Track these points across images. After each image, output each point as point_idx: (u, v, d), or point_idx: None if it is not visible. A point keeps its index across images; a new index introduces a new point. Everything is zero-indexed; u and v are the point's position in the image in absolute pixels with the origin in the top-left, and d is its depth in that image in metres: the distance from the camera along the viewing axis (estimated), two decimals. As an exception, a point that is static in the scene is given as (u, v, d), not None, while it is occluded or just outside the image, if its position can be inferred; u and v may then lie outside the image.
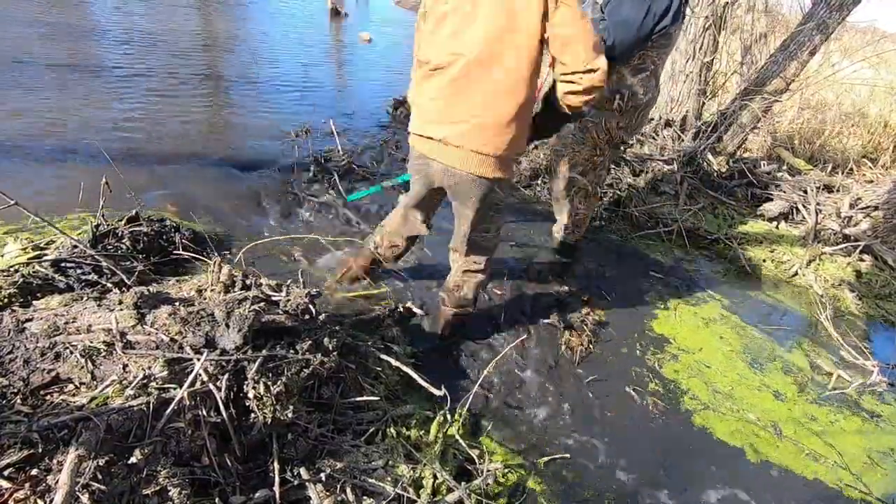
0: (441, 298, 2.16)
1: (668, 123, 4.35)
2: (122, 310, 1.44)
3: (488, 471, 1.61)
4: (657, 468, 1.88)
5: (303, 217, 2.85)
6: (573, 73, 1.53)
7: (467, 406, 1.79)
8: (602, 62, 1.51)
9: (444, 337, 2.18)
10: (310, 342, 1.57)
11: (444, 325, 2.17)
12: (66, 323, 1.40)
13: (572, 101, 1.60)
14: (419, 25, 1.71)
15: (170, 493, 1.12)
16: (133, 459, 1.13)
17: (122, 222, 2.19)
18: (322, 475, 1.35)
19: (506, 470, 1.69)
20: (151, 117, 3.57)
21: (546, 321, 2.47)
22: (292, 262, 2.42)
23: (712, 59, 4.36)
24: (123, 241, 2.10)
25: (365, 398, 1.65)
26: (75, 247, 1.92)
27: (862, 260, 3.55)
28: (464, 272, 2.03)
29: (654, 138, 4.27)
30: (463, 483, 1.51)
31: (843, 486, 1.98)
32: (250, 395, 1.37)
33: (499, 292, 2.56)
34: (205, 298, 1.63)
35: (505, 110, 1.58)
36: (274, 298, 1.69)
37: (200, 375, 1.31)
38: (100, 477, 1.07)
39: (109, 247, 2.06)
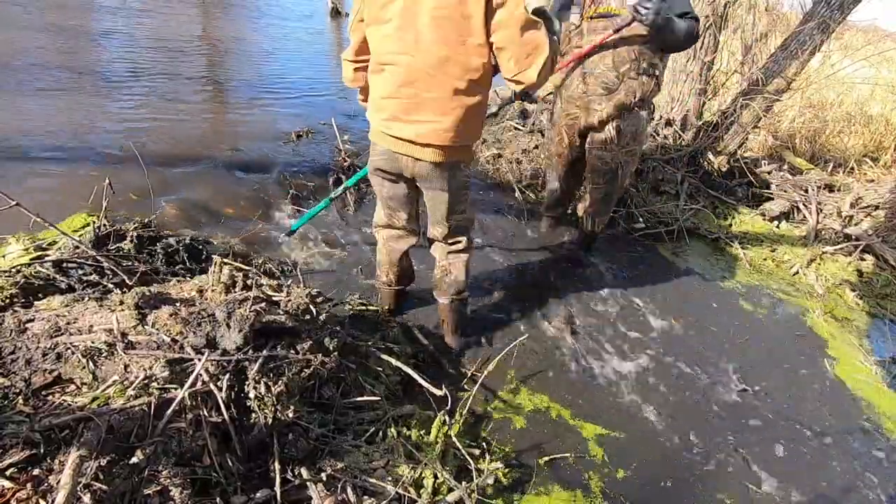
0: (437, 297, 2.12)
1: (668, 122, 4.34)
2: (123, 310, 1.45)
3: (488, 471, 1.61)
4: (659, 471, 1.88)
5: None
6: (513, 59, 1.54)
7: (468, 406, 1.79)
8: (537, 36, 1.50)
9: (457, 335, 2.18)
10: (310, 342, 1.58)
11: (450, 322, 2.15)
12: (68, 323, 1.41)
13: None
14: (357, 14, 1.65)
15: (171, 493, 1.12)
16: (134, 459, 1.13)
17: (133, 229, 2.17)
18: (323, 475, 1.36)
19: (506, 470, 1.69)
20: (152, 119, 3.58)
21: (549, 322, 2.47)
22: (293, 262, 2.42)
23: (713, 59, 4.35)
24: (125, 242, 2.11)
25: (366, 398, 1.65)
26: (77, 247, 1.92)
27: (863, 259, 3.55)
28: (448, 254, 2.02)
29: (654, 137, 4.27)
30: (463, 483, 1.51)
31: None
32: (251, 395, 1.37)
33: (501, 293, 2.57)
34: (206, 299, 1.63)
35: (461, 112, 1.61)
36: (275, 299, 1.69)
37: (201, 376, 1.32)
38: (101, 477, 1.07)
39: (111, 248, 2.06)
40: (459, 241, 2.00)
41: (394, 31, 1.53)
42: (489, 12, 1.46)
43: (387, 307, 2.23)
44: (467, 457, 1.62)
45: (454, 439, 1.66)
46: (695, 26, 2.24)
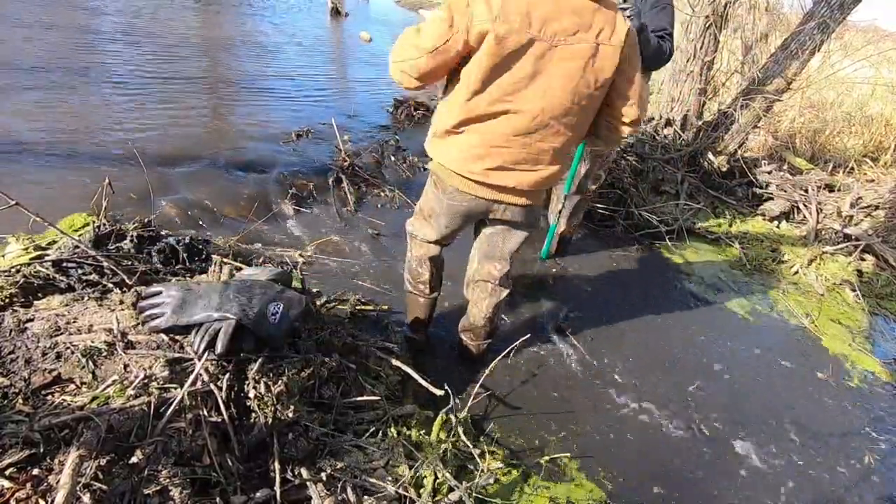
0: (465, 339, 2.08)
1: (668, 122, 4.34)
2: (123, 310, 1.44)
3: (489, 471, 1.60)
4: (658, 470, 1.88)
5: (302, 219, 2.85)
6: None
7: (468, 406, 1.79)
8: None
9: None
10: (310, 342, 1.58)
11: (478, 356, 2.12)
12: (68, 323, 1.40)
13: None
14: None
15: (171, 493, 1.12)
16: (134, 459, 1.13)
17: (133, 229, 2.17)
18: (323, 475, 1.35)
19: (506, 470, 1.69)
20: (152, 119, 3.58)
21: (549, 322, 2.47)
22: (294, 262, 2.42)
23: (713, 59, 4.35)
24: (125, 242, 2.10)
25: (366, 398, 1.65)
26: (76, 247, 1.92)
27: (863, 259, 3.55)
28: (496, 304, 1.95)
29: (654, 137, 4.27)
30: (464, 483, 1.51)
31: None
32: (251, 394, 1.37)
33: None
34: (205, 298, 1.63)
35: (568, 161, 1.69)
36: (274, 298, 1.69)
37: (201, 375, 1.32)
38: (101, 476, 1.07)
39: (111, 248, 2.06)
40: (507, 287, 1.95)
41: (525, 77, 1.42)
42: (619, 66, 1.46)
43: (422, 317, 2.08)
44: (475, 455, 1.62)
45: (458, 437, 1.66)
46: (667, 47, 2.14)
